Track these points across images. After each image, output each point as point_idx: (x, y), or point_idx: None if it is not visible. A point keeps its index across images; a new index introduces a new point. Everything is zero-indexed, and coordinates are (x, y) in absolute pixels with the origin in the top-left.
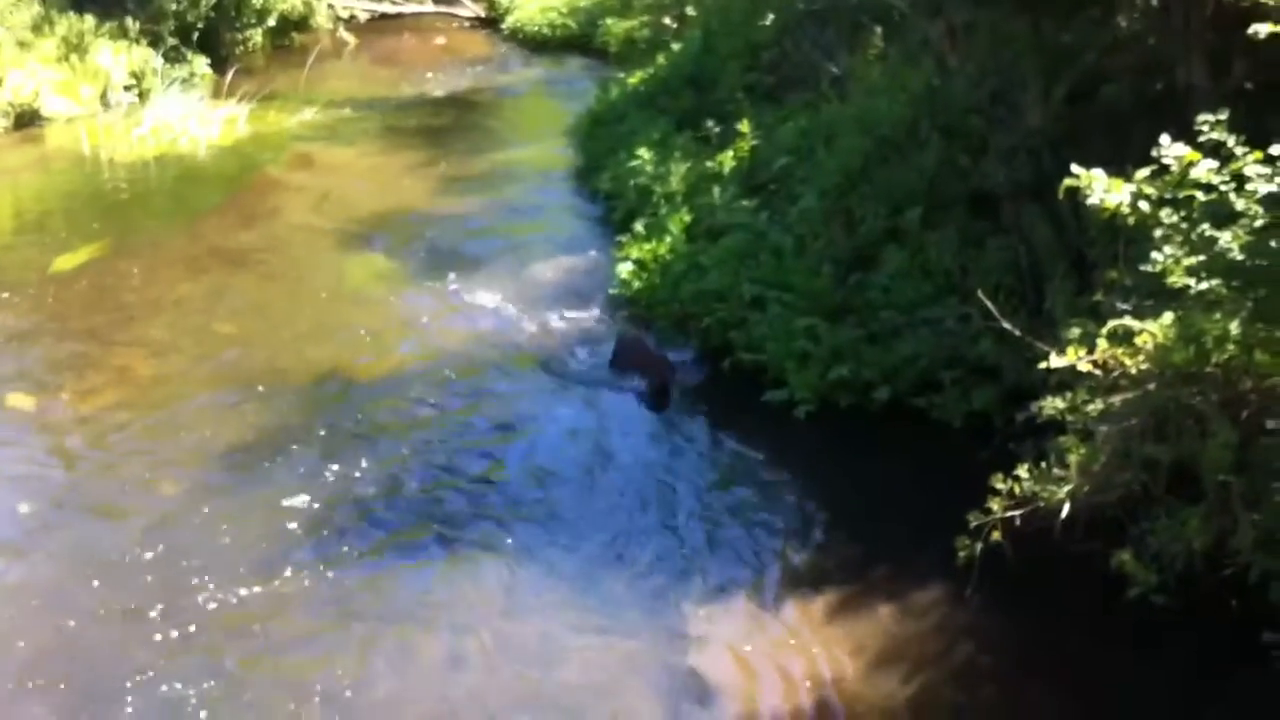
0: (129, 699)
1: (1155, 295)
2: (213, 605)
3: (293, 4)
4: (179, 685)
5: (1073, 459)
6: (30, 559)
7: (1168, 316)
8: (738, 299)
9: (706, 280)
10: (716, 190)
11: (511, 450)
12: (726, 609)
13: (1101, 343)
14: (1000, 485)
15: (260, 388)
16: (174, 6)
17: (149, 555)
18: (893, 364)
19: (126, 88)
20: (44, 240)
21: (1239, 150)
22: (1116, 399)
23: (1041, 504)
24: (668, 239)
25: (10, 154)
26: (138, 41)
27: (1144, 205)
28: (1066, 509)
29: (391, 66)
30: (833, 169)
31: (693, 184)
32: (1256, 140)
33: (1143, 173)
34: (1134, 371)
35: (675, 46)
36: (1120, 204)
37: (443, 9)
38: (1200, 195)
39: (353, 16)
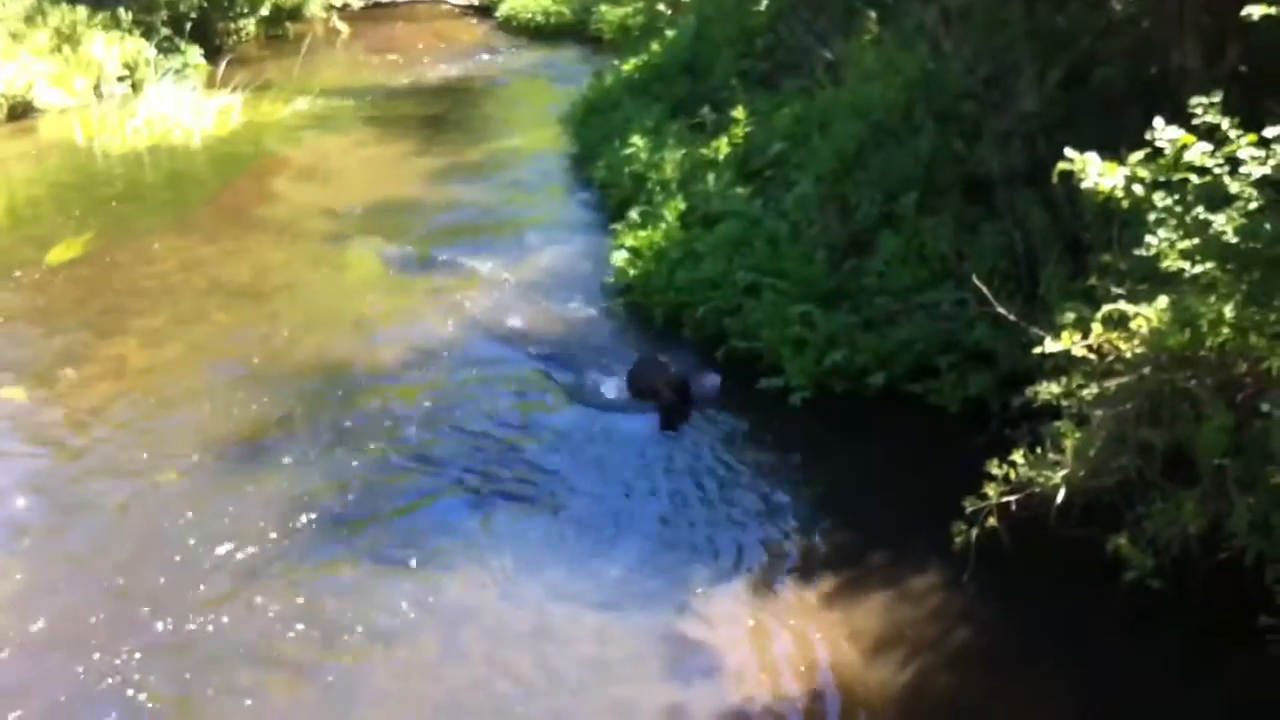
0: (121, 685)
1: (1150, 279)
2: (209, 593)
3: None
4: (172, 674)
5: (1068, 444)
6: (20, 549)
7: (1162, 300)
8: (732, 286)
9: (701, 268)
10: (711, 177)
11: (507, 439)
12: (723, 595)
13: (1096, 327)
14: (996, 471)
15: (255, 378)
16: None
17: (143, 544)
18: (888, 350)
19: (120, 79)
20: (38, 232)
21: (1233, 133)
22: (1111, 383)
23: (1037, 489)
24: (662, 226)
25: (3, 145)
26: (130, 32)
27: (1138, 189)
28: (1062, 494)
29: (385, 55)
30: (827, 155)
31: (687, 171)
32: (1250, 123)
33: (1136, 156)
34: (1129, 356)
35: (669, 33)
36: (1114, 188)
37: None
38: (1194, 178)
39: (346, 5)
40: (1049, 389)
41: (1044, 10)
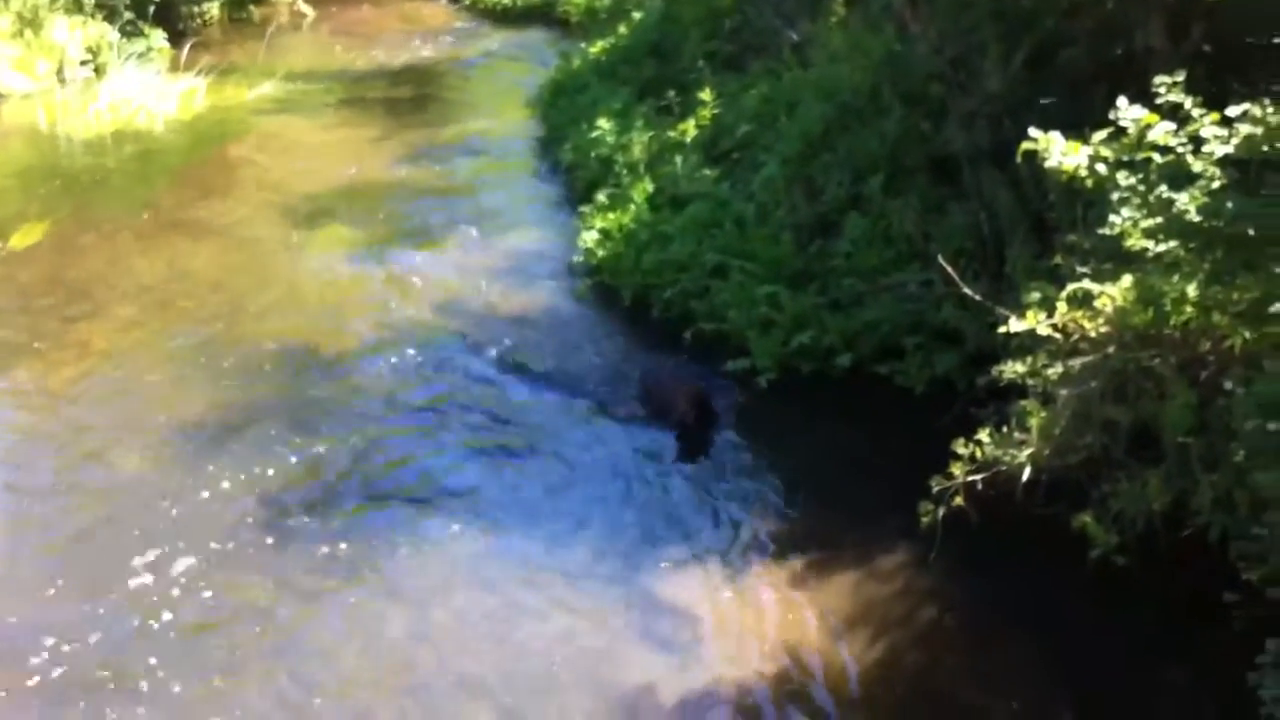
0: (93, 668)
1: (1114, 258)
2: (173, 577)
3: None
4: (137, 657)
5: (1034, 423)
6: None
7: (1126, 279)
8: (700, 268)
9: (669, 250)
10: (679, 159)
11: (475, 423)
12: (691, 576)
13: (1061, 306)
14: (962, 450)
15: (222, 362)
16: None
17: (109, 528)
18: (855, 330)
19: (83, 63)
20: (1, 217)
21: (1196, 112)
22: (1076, 362)
23: (1003, 468)
24: (630, 208)
25: None
26: (93, 16)
27: (1101, 168)
28: (1028, 472)
29: (350, 38)
30: (794, 136)
31: (655, 153)
32: (1214, 102)
33: (1100, 135)
34: (1093, 335)
35: (636, 15)
36: (1078, 166)
37: None
38: (1157, 157)
39: None
40: (1014, 368)
41: None
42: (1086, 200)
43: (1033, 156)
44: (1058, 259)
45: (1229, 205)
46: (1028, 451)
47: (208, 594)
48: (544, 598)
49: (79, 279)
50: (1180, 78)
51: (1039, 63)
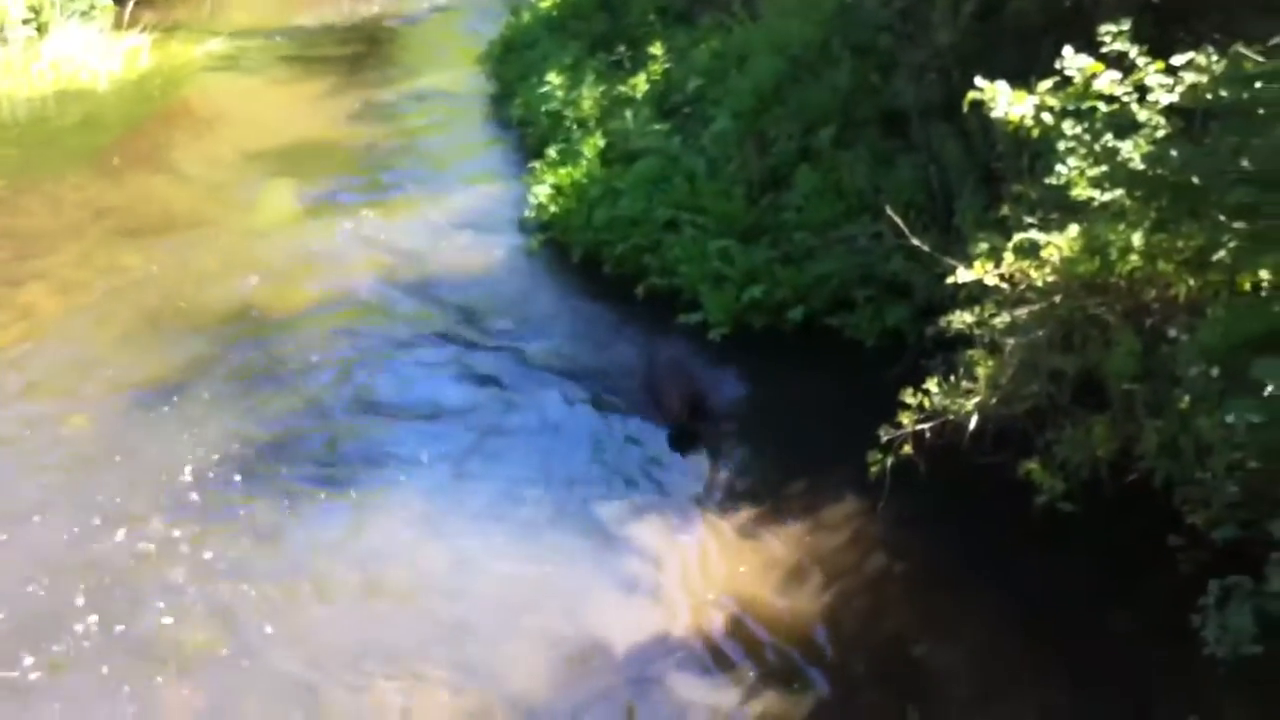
0: (37, 636)
1: (1061, 208)
2: (121, 541)
3: None
4: (90, 623)
5: (981, 372)
6: None
7: (1073, 229)
8: (651, 223)
9: (620, 205)
10: (629, 114)
11: (424, 382)
12: (641, 527)
13: (1008, 256)
14: (910, 400)
15: (169, 324)
16: None
17: (57, 493)
18: (806, 284)
19: (24, 21)
20: None
21: (1141, 61)
22: (1023, 311)
23: (951, 417)
24: (581, 164)
25: None
26: None
27: (1047, 117)
28: (975, 421)
29: None
30: (745, 90)
31: (606, 108)
32: (1160, 51)
33: (1045, 84)
34: (1040, 284)
35: None
36: (1023, 116)
37: None
38: (1103, 106)
39: None
40: (962, 318)
41: None
42: (1034, 151)
43: (981, 108)
44: (1005, 210)
45: (1173, 153)
46: (975, 400)
47: (151, 555)
48: (493, 553)
49: (23, 240)
50: (1126, 27)
51: (988, 14)
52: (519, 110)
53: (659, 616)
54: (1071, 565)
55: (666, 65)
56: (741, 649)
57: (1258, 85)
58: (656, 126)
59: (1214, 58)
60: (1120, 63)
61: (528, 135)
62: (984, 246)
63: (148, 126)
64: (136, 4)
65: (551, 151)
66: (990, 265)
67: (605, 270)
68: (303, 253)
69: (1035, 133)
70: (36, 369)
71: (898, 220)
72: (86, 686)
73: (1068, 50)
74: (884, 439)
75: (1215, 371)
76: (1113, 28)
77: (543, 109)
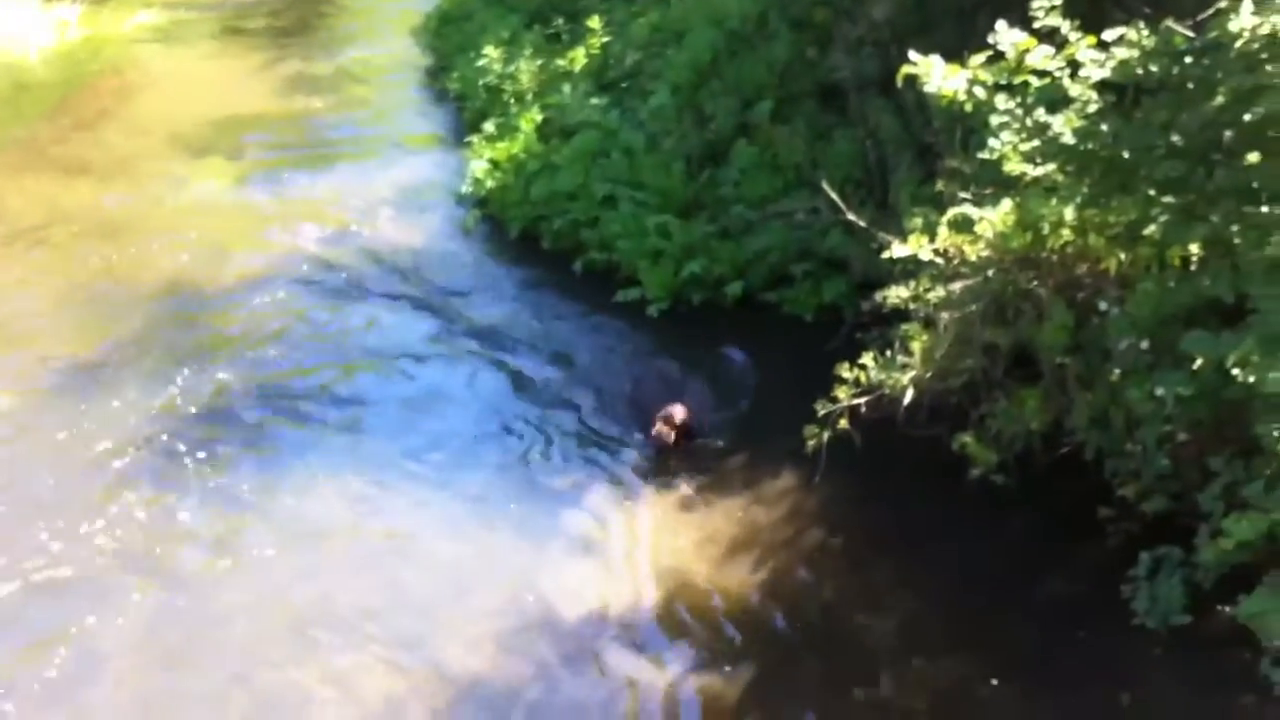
0: None
1: (995, 183)
2: (48, 514)
3: None
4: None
5: (916, 346)
6: None
7: (1006, 204)
8: (590, 198)
9: (558, 180)
10: (567, 88)
11: (361, 358)
12: (580, 504)
13: (943, 231)
14: (846, 374)
15: (99, 301)
16: None
17: None
18: (745, 259)
19: None
20: None
21: (1073, 36)
22: (957, 286)
23: (886, 391)
24: (519, 139)
25: None
26: None
27: (980, 92)
28: (910, 395)
29: None
30: (683, 64)
31: (544, 82)
32: (1092, 26)
33: (978, 59)
34: (974, 259)
35: None
36: (957, 91)
37: None
38: (1035, 81)
39: None
40: (898, 293)
41: None
42: (968, 126)
43: (916, 82)
44: (941, 185)
45: (1104, 128)
46: (910, 374)
47: (81, 534)
48: (434, 531)
49: None
50: (1058, 2)
51: None
52: (456, 84)
53: (599, 590)
54: (1004, 537)
55: (605, 39)
56: (681, 622)
57: (1188, 60)
58: (594, 101)
59: (1145, 33)
60: (1053, 38)
61: (465, 109)
62: (919, 222)
63: (77, 100)
64: None
65: (489, 126)
66: (925, 240)
67: (543, 246)
68: (236, 227)
69: (969, 108)
70: None
71: (834, 196)
72: (15, 663)
73: (1001, 25)
74: (821, 413)
75: (1145, 344)
76: (1045, 3)
77: (480, 83)
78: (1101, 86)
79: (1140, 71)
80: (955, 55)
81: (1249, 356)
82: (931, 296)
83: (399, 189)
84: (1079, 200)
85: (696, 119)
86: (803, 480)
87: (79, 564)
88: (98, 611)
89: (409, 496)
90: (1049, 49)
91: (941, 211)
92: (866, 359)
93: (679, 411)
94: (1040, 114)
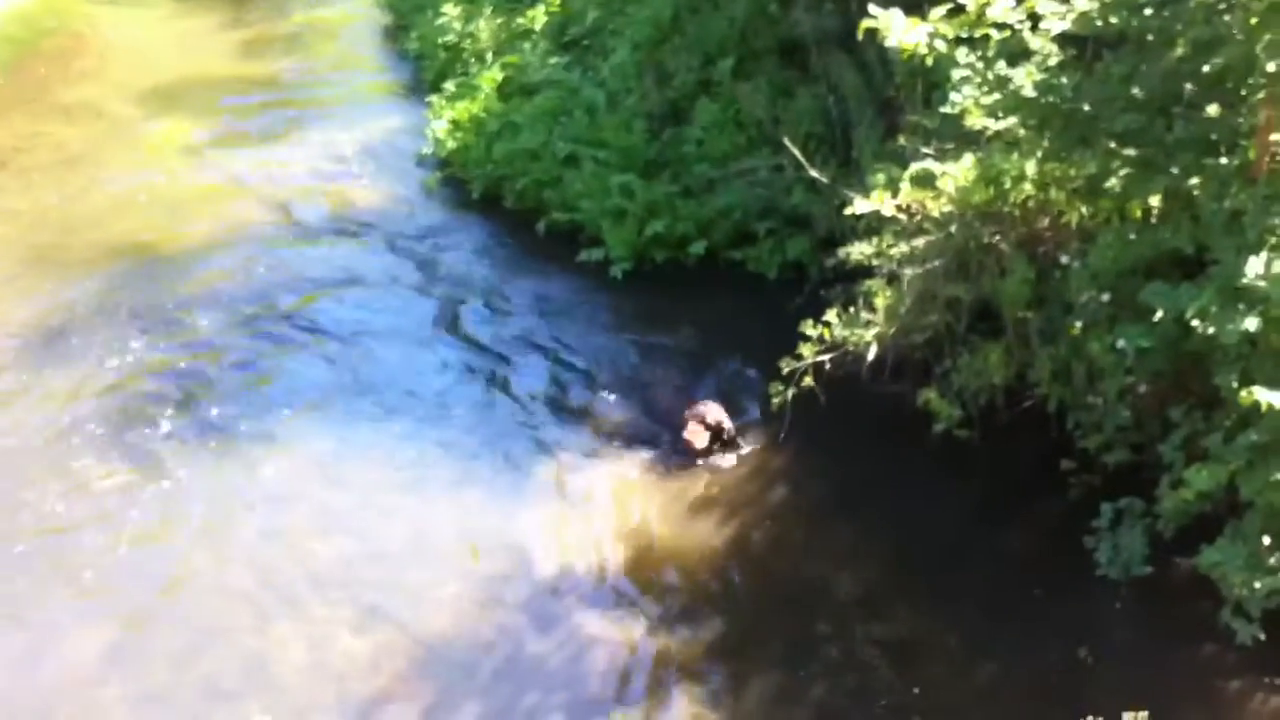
0: None
1: (957, 138)
2: (10, 486)
3: None
4: None
5: (880, 303)
6: None
7: (968, 158)
8: (552, 157)
9: (519, 139)
10: (528, 47)
11: (320, 324)
12: (541, 469)
13: (905, 187)
14: (811, 331)
15: (59, 264)
16: None
17: None
18: (708, 218)
19: None
20: None
21: None
22: (920, 241)
23: (851, 348)
24: (479, 98)
25: None
26: None
27: (940, 45)
28: (874, 351)
29: None
30: (644, 21)
31: (504, 41)
32: None
33: (939, 12)
34: (936, 214)
35: None
36: (917, 44)
37: None
38: (995, 34)
39: None
40: (861, 249)
41: None
42: (930, 81)
43: (876, 36)
44: (903, 140)
45: (1063, 80)
46: (874, 331)
47: (48, 504)
48: (396, 497)
49: None
50: None
51: None
52: (415, 43)
53: (565, 550)
54: (967, 491)
55: None
56: (646, 581)
57: (1148, 13)
58: (555, 59)
59: None
60: None
61: (424, 68)
62: (881, 177)
63: (34, 62)
64: None
65: (449, 85)
66: (888, 196)
67: (506, 206)
68: (193, 192)
69: (930, 62)
70: None
71: (797, 153)
72: None
73: None
74: (785, 371)
75: (1106, 297)
76: None
77: (439, 41)
78: (1062, 39)
79: (1100, 24)
80: (916, 9)
81: (1208, 308)
82: (894, 252)
83: (358, 150)
84: (1040, 154)
85: (658, 76)
86: (768, 438)
87: (39, 526)
88: (61, 572)
89: (374, 457)
90: (1010, 1)
91: (904, 167)
92: (830, 316)
93: (713, 411)
94: (1001, 67)
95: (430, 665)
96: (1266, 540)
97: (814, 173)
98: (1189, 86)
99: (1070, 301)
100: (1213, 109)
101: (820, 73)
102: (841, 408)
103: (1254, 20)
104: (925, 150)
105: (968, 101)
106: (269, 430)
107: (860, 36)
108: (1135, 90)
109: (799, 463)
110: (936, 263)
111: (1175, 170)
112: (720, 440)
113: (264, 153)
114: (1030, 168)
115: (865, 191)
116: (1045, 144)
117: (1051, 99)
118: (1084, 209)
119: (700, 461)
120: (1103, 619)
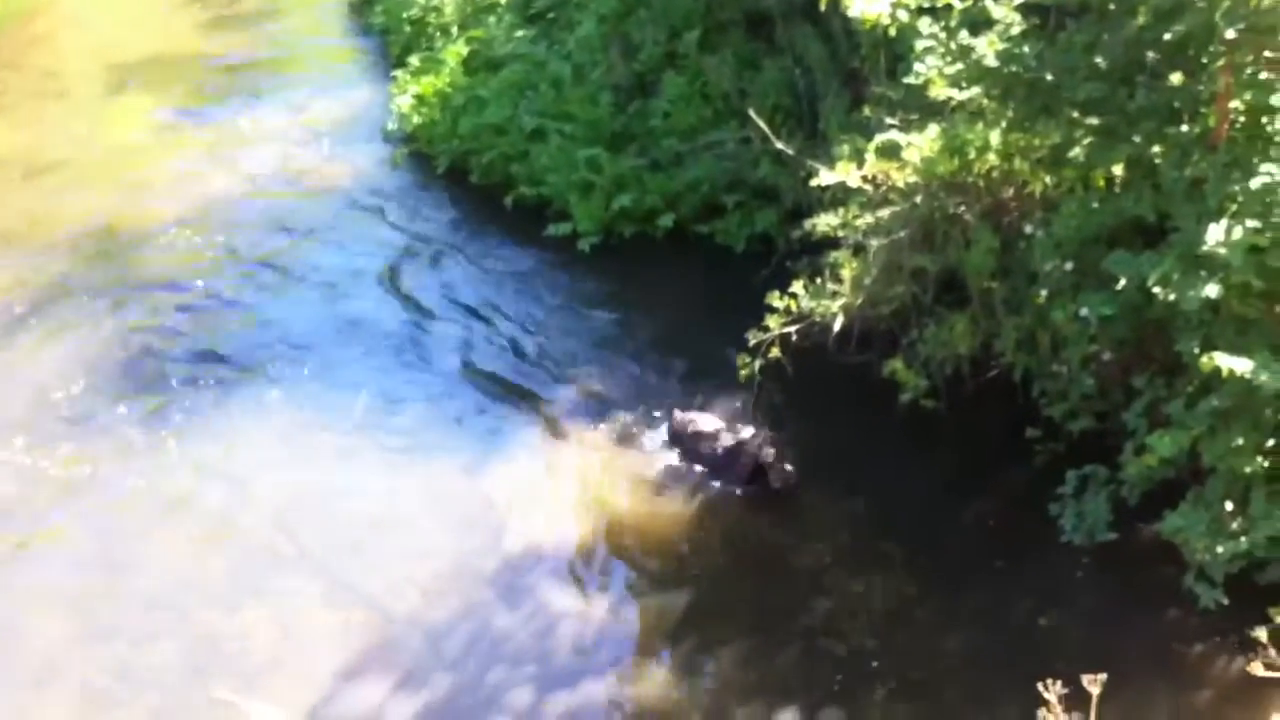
0: None
1: (921, 108)
2: None
3: None
4: None
5: (846, 274)
6: None
7: (932, 129)
8: (518, 131)
9: (486, 113)
10: (493, 20)
11: (289, 297)
12: (514, 441)
13: (870, 158)
14: (777, 303)
15: (23, 242)
16: None
17: None
18: (676, 191)
19: None
20: None
21: None
22: (886, 212)
23: (817, 319)
24: (445, 72)
25: None
26: None
27: (903, 15)
28: (840, 322)
29: None
30: None
31: (468, 15)
32: None
33: None
34: (902, 185)
35: None
36: (880, 15)
37: None
38: (958, 3)
39: None
40: (827, 221)
41: None
42: (895, 52)
43: (840, 7)
44: (868, 111)
45: (1026, 49)
46: (840, 302)
47: (18, 476)
48: (365, 473)
49: None
50: None
51: None
52: (380, 17)
53: (533, 526)
54: (934, 460)
55: None
56: (615, 555)
57: None
58: (521, 33)
59: None
60: None
61: (390, 43)
62: (847, 149)
63: None
64: None
65: (414, 59)
66: (853, 167)
67: (472, 180)
68: (157, 168)
69: (893, 32)
70: None
71: (764, 125)
72: None
73: None
74: (752, 343)
75: (1070, 266)
76: None
77: (404, 15)
78: (1025, 8)
79: None
80: None
81: (1170, 275)
82: (860, 223)
83: (323, 125)
84: (1004, 124)
85: (624, 49)
86: (736, 410)
87: (4, 506)
88: (30, 550)
89: (341, 434)
90: None
91: (869, 138)
92: (797, 287)
93: (756, 449)
94: (964, 37)
95: (399, 639)
96: (1228, 505)
97: (780, 145)
98: (1150, 55)
99: (1035, 271)
100: (1175, 77)
101: (786, 45)
102: (809, 379)
103: None
104: (890, 121)
105: (931, 72)
106: (232, 409)
107: (824, 7)
108: (1097, 59)
109: (766, 434)
110: (902, 234)
111: (1137, 139)
112: (770, 474)
113: (227, 129)
114: (994, 138)
115: (831, 163)
116: (1009, 114)
117: (1014, 69)
118: (1048, 178)
119: (668, 435)
120: (1067, 585)
